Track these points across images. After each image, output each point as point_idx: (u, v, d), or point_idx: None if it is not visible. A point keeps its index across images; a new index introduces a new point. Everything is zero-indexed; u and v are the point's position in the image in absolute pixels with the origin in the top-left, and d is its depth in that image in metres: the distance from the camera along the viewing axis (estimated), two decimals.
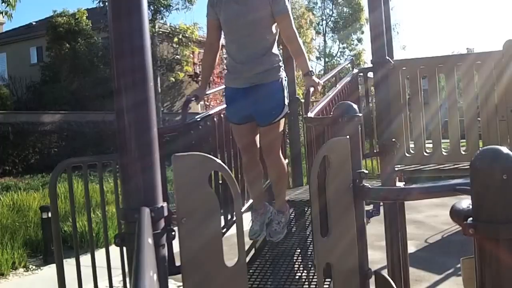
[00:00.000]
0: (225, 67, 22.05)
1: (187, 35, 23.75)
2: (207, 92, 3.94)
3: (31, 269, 7.10)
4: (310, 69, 3.48)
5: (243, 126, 3.46)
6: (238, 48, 3.39)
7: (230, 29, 3.41)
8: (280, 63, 3.44)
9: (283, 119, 3.51)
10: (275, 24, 3.38)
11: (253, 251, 3.53)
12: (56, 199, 2.76)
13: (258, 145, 3.56)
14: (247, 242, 3.31)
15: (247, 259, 3.29)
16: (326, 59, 31.54)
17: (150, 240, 1.32)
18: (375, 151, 4.72)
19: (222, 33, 3.52)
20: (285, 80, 3.47)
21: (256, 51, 3.34)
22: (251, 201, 3.73)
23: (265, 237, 3.60)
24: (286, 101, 3.44)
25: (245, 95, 3.36)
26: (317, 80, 3.48)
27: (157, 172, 1.86)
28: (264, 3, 3.28)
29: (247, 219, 3.48)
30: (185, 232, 1.85)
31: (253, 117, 3.40)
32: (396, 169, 4.48)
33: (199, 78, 24.78)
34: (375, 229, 4.39)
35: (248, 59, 3.34)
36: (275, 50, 3.43)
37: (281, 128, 3.53)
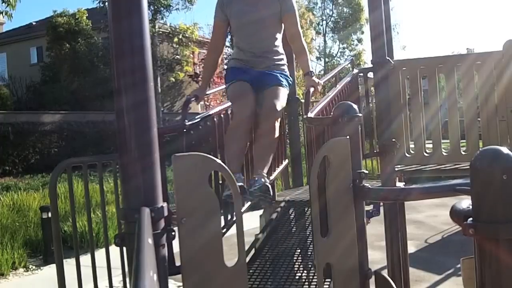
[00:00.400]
0: (225, 67, 22.09)
1: (187, 35, 23.77)
2: (209, 92, 3.95)
3: (31, 269, 7.10)
4: (311, 69, 3.54)
5: (246, 83, 3.43)
6: (248, 45, 3.50)
7: (239, 28, 3.51)
8: (285, 60, 3.59)
9: (286, 96, 3.52)
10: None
11: (253, 251, 3.53)
12: (56, 199, 2.76)
13: (253, 117, 3.43)
14: (247, 242, 3.31)
15: (247, 259, 3.29)
16: (326, 59, 31.51)
17: (150, 240, 1.32)
18: (375, 151, 4.71)
19: (232, 31, 3.61)
20: (289, 78, 3.60)
21: (265, 49, 3.47)
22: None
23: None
24: (288, 88, 3.56)
25: (252, 72, 3.48)
26: (317, 80, 3.54)
27: (157, 172, 1.86)
28: (273, 3, 3.40)
29: (247, 219, 3.48)
30: (185, 232, 1.85)
31: (255, 82, 3.44)
32: (396, 169, 4.47)
33: (199, 78, 24.81)
34: (375, 229, 4.39)
35: (257, 56, 3.47)
36: (281, 48, 3.56)
37: (284, 98, 3.49)
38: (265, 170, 3.37)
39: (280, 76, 3.50)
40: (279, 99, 3.39)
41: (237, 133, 3.33)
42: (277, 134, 3.43)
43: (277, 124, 3.40)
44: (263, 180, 3.23)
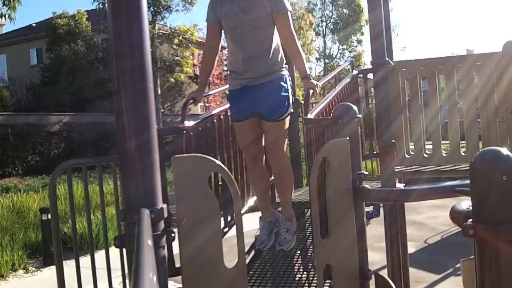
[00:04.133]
0: (224, 68, 22.09)
1: (187, 36, 23.79)
2: (208, 93, 3.95)
3: (31, 271, 7.10)
4: (308, 72, 3.47)
5: (247, 122, 3.42)
6: (240, 48, 3.39)
7: (231, 29, 3.41)
8: (283, 63, 3.45)
9: (288, 118, 3.48)
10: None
11: (253, 253, 3.52)
12: (55, 201, 2.76)
13: (263, 152, 3.55)
14: (247, 243, 3.31)
15: (247, 260, 3.28)
16: (326, 61, 31.53)
17: (149, 242, 1.32)
18: (375, 152, 4.71)
19: (223, 34, 3.52)
20: (289, 79, 3.49)
21: (259, 50, 3.35)
22: (250, 202, 3.72)
23: (275, 246, 3.53)
24: (291, 99, 3.47)
25: (249, 92, 3.37)
26: (315, 82, 3.48)
27: (156, 173, 1.86)
28: (265, 3, 3.30)
29: (247, 220, 3.47)
30: (184, 234, 1.85)
31: (257, 113, 3.39)
32: (396, 170, 4.47)
33: (199, 80, 24.76)
34: (375, 230, 4.40)
35: (250, 58, 3.34)
36: (277, 49, 3.43)
37: (286, 126, 3.49)
38: (289, 208, 3.63)
39: (279, 92, 3.40)
40: (280, 138, 3.46)
41: (255, 180, 3.60)
42: (288, 167, 3.63)
43: (286, 160, 3.61)
44: (288, 232, 3.52)
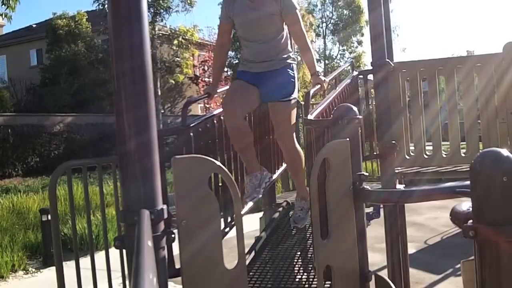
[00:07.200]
0: (228, 73, 22.07)
1: (187, 37, 23.79)
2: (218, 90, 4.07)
3: (31, 272, 7.09)
4: (317, 68, 3.67)
5: (247, 84, 3.56)
6: (250, 43, 3.59)
7: (241, 26, 3.60)
8: (291, 59, 3.64)
9: (295, 107, 3.63)
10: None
11: (253, 253, 3.52)
12: (55, 202, 2.75)
13: (246, 113, 3.64)
14: (247, 244, 3.31)
15: (247, 261, 3.28)
16: (326, 61, 31.52)
17: (149, 243, 1.31)
18: (375, 153, 4.71)
19: (236, 30, 3.69)
20: (296, 72, 3.67)
21: (267, 46, 3.54)
22: (250, 203, 3.71)
23: (289, 223, 3.81)
24: (297, 86, 3.62)
25: (258, 77, 3.58)
26: (323, 78, 3.67)
27: (157, 174, 1.86)
28: (274, 4, 3.48)
29: (247, 221, 3.46)
30: (185, 234, 1.85)
31: (259, 89, 3.55)
32: (397, 171, 4.46)
33: (199, 80, 24.81)
34: (375, 231, 4.39)
35: (259, 53, 3.56)
36: (285, 45, 3.62)
37: (293, 112, 3.61)
38: (301, 187, 3.82)
39: (284, 76, 3.56)
40: (287, 121, 3.55)
41: (234, 137, 3.53)
42: (297, 148, 3.65)
43: (294, 143, 3.61)
44: (302, 211, 3.78)
